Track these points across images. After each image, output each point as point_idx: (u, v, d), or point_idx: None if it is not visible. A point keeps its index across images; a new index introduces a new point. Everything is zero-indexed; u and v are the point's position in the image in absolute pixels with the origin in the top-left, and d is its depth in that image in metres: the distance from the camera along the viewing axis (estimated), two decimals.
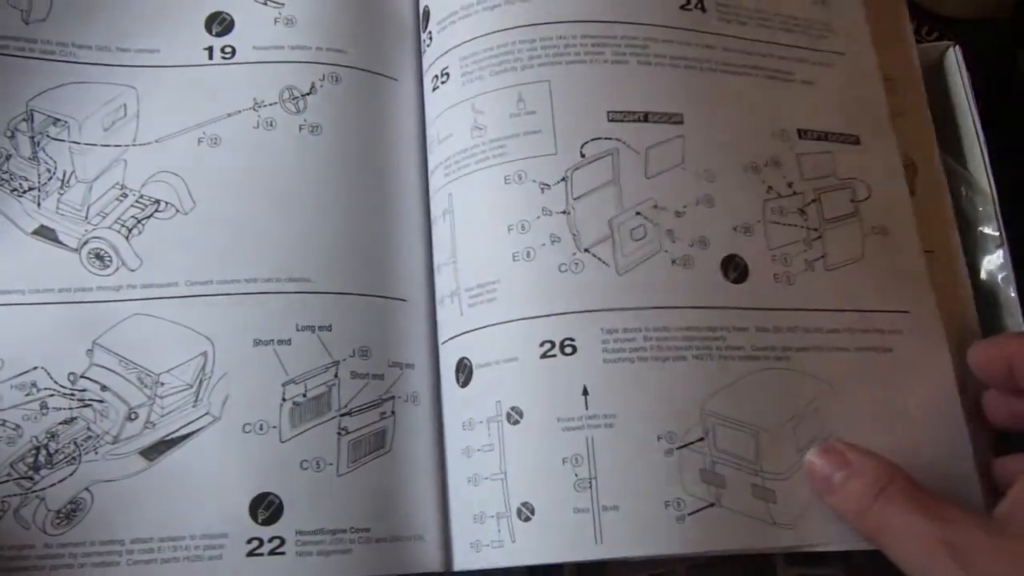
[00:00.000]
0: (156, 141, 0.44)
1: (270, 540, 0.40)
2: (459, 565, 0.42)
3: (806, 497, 0.39)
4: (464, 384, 0.42)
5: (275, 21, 0.47)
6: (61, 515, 0.39)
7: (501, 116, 0.43)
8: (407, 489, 0.43)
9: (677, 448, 0.38)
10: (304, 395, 0.42)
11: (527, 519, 0.38)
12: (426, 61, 0.48)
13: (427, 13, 0.49)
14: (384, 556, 0.41)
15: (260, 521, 0.40)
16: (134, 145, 0.44)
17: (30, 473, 0.40)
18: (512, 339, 0.40)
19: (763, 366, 0.40)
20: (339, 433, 0.42)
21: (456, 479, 0.42)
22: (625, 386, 0.39)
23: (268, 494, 0.40)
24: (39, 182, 0.43)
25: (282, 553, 0.40)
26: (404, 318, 0.45)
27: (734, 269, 0.41)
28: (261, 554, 0.40)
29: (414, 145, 0.48)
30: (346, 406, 0.42)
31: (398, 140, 0.47)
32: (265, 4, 0.47)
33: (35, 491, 0.40)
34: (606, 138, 0.42)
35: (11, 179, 0.43)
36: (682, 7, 0.45)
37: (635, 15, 0.44)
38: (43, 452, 0.40)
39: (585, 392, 0.39)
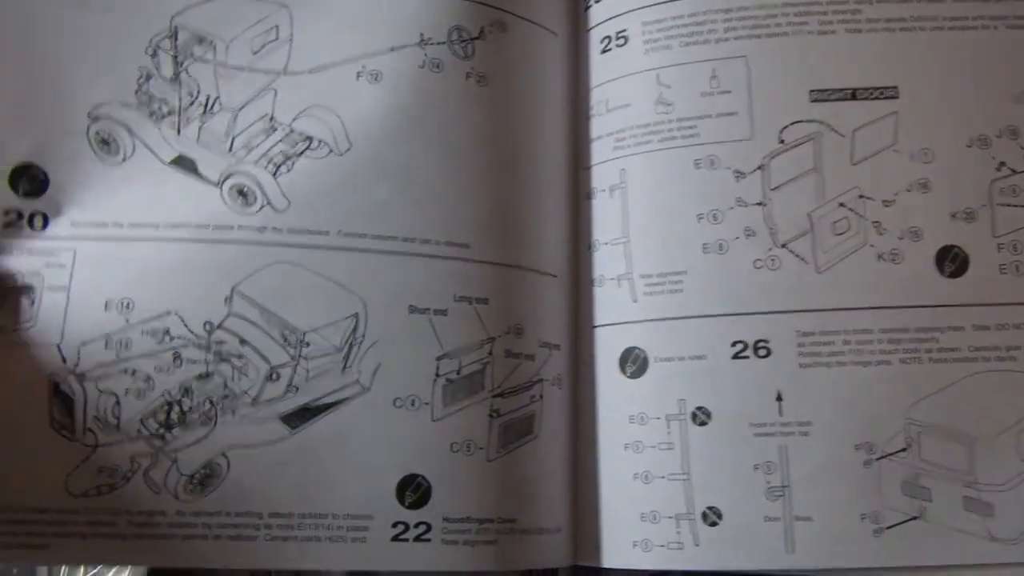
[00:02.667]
0: (310, 71, 0.40)
1: (416, 525, 0.37)
2: (612, 562, 0.40)
3: None
4: (634, 375, 0.40)
5: None
6: (195, 480, 0.36)
7: (691, 94, 0.41)
8: (551, 479, 0.41)
9: (877, 459, 0.38)
10: (458, 372, 0.39)
11: (713, 524, 0.38)
12: (593, 18, 0.45)
13: None
14: (527, 548, 0.39)
15: (407, 504, 0.38)
16: (285, 74, 0.40)
17: (162, 431, 0.36)
18: (701, 336, 0.39)
19: (982, 368, 0.38)
20: (491, 416, 0.39)
21: (618, 473, 0.40)
22: (821, 392, 0.38)
23: (416, 476, 0.38)
24: (180, 106, 0.39)
25: (428, 540, 0.37)
26: (554, 295, 0.43)
27: (951, 261, 0.39)
28: (407, 539, 0.37)
29: (565, 109, 0.45)
30: (499, 387, 0.39)
31: (554, 101, 0.44)
32: None
33: (167, 451, 0.36)
34: (808, 120, 0.40)
35: (150, 101, 0.39)
36: None
37: None
38: (176, 409, 0.37)
39: (779, 398, 0.38)
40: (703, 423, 0.39)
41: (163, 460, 0.37)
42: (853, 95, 0.40)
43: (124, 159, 0.39)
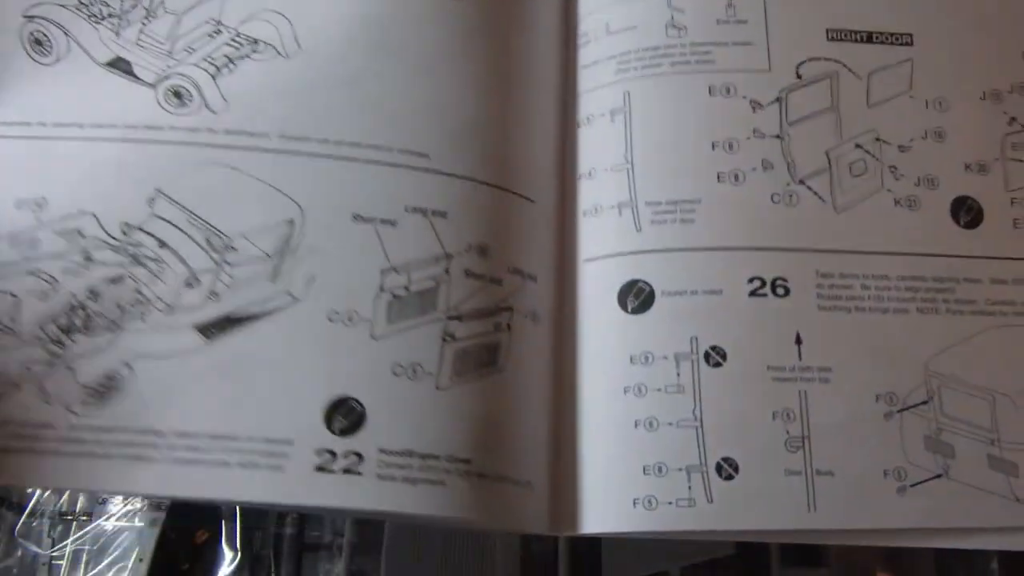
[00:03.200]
0: None
1: (346, 455, 0.32)
2: (607, 525, 0.34)
3: None
4: (637, 311, 0.36)
5: None
6: (92, 391, 0.32)
7: (706, 19, 0.40)
8: (519, 421, 0.35)
9: (898, 411, 0.35)
10: (407, 288, 0.34)
11: (729, 477, 0.34)
12: None
13: None
14: (485, 498, 0.33)
15: (336, 431, 0.32)
16: None
17: (62, 337, 0.32)
18: (715, 269, 0.37)
19: (1001, 322, 0.36)
20: (444, 339, 0.34)
21: (616, 420, 0.36)
22: (842, 337, 0.36)
23: (349, 399, 0.33)
24: (121, 8, 0.37)
25: (359, 473, 0.31)
26: (530, 222, 0.38)
27: (966, 212, 0.38)
28: (333, 471, 0.31)
29: (556, 28, 0.41)
30: (455, 308, 0.34)
31: (541, 18, 0.41)
32: None
33: (65, 359, 0.32)
34: (825, 59, 0.39)
35: (91, 3, 0.36)
36: None
37: None
38: (80, 313, 0.32)
39: (798, 340, 0.36)
40: (717, 364, 0.35)
41: (59, 368, 0.32)
42: (869, 38, 0.40)
43: (57, 59, 0.37)
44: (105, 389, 0.32)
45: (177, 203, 0.35)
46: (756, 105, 0.38)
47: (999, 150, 0.38)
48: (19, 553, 0.39)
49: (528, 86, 0.40)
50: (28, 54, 0.37)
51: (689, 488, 0.34)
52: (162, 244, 0.34)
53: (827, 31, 0.39)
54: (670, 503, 0.34)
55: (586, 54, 0.41)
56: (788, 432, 0.34)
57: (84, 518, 0.40)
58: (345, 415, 0.33)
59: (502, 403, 0.35)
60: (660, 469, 0.34)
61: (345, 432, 0.32)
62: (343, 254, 0.35)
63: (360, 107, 0.37)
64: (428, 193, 0.36)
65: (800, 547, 0.39)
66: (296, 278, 0.34)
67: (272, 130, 0.36)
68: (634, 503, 0.34)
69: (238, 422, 0.32)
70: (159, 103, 0.36)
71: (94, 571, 0.39)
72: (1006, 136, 0.39)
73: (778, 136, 0.38)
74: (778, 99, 0.39)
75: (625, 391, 0.35)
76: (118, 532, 0.40)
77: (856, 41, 0.39)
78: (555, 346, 0.37)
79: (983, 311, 0.37)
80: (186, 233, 0.34)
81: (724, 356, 0.35)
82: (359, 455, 0.32)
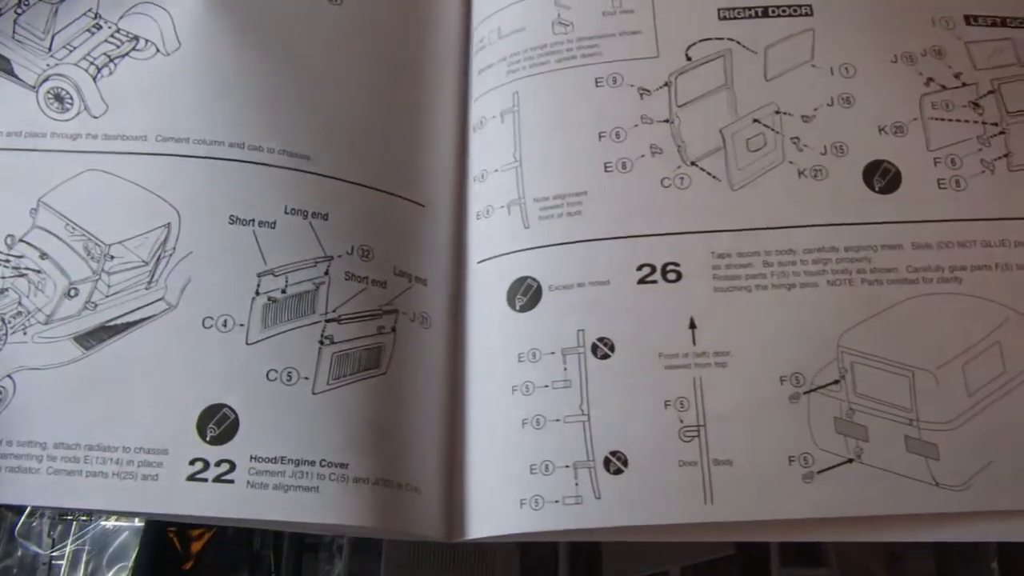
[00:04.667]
0: None
1: (217, 463, 0.32)
2: (492, 528, 0.34)
3: (985, 451, 0.32)
4: (525, 308, 0.36)
5: None
6: None
7: (592, 13, 0.40)
8: (404, 425, 0.35)
9: (805, 392, 0.34)
10: (283, 291, 0.34)
11: (618, 471, 0.33)
12: None
13: None
14: (364, 503, 0.33)
15: (208, 439, 0.33)
16: None
17: None
18: (602, 260, 0.36)
19: (923, 290, 0.35)
20: (321, 342, 0.34)
21: (503, 421, 0.35)
22: (740, 319, 0.35)
23: (222, 406, 0.33)
24: None
25: (230, 481, 0.32)
26: (420, 225, 0.38)
27: (881, 176, 0.36)
28: (204, 479, 0.32)
29: (452, 40, 0.42)
30: (335, 311, 0.34)
31: (435, 28, 0.41)
32: None
33: None
34: (716, 38, 0.39)
35: None
36: None
37: None
38: None
39: (692, 325, 0.35)
40: (605, 356, 0.35)
41: None
42: (764, 12, 0.39)
43: None
44: None
45: (58, 212, 0.35)
46: (644, 92, 0.38)
47: (917, 110, 0.37)
48: (19, 553, 0.41)
49: (421, 91, 0.40)
50: None
51: (576, 485, 0.33)
52: (43, 255, 0.35)
53: (718, 11, 0.39)
54: (556, 501, 0.33)
55: (480, 59, 0.41)
56: (682, 421, 0.34)
57: (84, 518, 0.41)
58: (218, 423, 0.33)
59: (386, 407, 0.35)
60: (547, 467, 0.34)
61: (217, 440, 0.33)
62: (219, 258, 0.35)
63: (240, 106, 0.36)
64: (309, 195, 0.36)
65: (800, 547, 0.39)
66: (171, 284, 0.35)
67: (150, 132, 0.36)
68: (521, 503, 0.34)
69: (116, 433, 0.33)
70: (40, 107, 0.36)
71: (94, 571, 0.40)
72: (924, 96, 0.37)
73: (667, 120, 0.37)
74: (666, 84, 0.38)
75: (513, 390, 0.35)
76: (118, 532, 0.41)
77: (750, 17, 0.39)
78: (449, 348, 0.37)
79: (904, 279, 0.35)
80: (66, 243, 0.35)
81: (612, 347, 0.35)
82: (231, 463, 0.33)
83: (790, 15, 0.39)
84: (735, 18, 0.39)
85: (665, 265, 0.36)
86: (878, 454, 0.33)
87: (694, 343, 0.34)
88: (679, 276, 0.35)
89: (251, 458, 0.33)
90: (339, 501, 0.33)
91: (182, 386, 0.33)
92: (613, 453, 0.34)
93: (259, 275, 0.35)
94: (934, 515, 0.32)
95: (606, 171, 0.37)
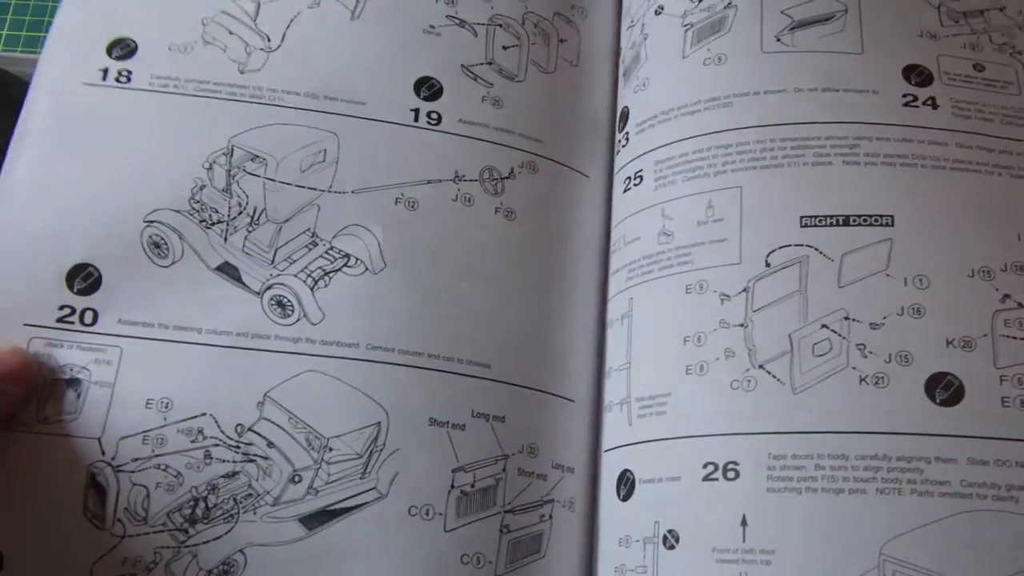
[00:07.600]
0: (352, 192, 0.44)
1: None
2: None
3: None
4: (625, 498, 0.42)
5: (483, 99, 0.49)
6: (213, 575, 0.38)
7: (689, 223, 0.43)
8: None
9: None
10: (472, 485, 0.42)
11: None
12: (619, 162, 0.50)
13: (626, 114, 0.51)
14: None
15: None
16: (330, 192, 0.44)
17: (185, 526, 0.39)
18: (677, 457, 0.40)
19: (976, 505, 0.36)
20: (501, 531, 0.41)
21: None
22: (787, 519, 0.37)
23: None
24: (228, 215, 0.43)
25: None
26: (570, 420, 0.46)
27: (944, 389, 0.38)
28: None
29: (596, 244, 0.49)
30: (510, 503, 0.42)
31: (583, 237, 0.49)
32: (475, 80, 0.48)
33: (188, 546, 0.39)
34: (796, 245, 0.41)
35: (202, 209, 0.43)
36: (906, 104, 0.43)
37: (846, 115, 0.43)
38: (201, 505, 0.39)
39: (744, 522, 0.38)
40: (671, 547, 0.39)
41: (184, 554, 0.39)
42: (845, 221, 0.41)
43: (173, 262, 0.42)
44: (223, 573, 0.39)
45: (282, 406, 0.41)
46: (724, 297, 0.41)
47: (988, 326, 0.38)
48: None
49: (575, 296, 0.47)
50: (148, 256, 0.43)
51: None
52: (270, 444, 0.41)
53: (800, 218, 0.41)
54: None
55: (614, 262, 0.47)
56: None
57: None
58: None
59: None
60: None
61: None
62: (421, 454, 0.42)
63: (435, 320, 0.44)
64: (490, 400, 0.44)
65: None
66: (382, 476, 0.41)
67: (362, 340, 0.43)
68: None
69: None
70: (264, 311, 0.43)
71: None
72: (997, 312, 0.38)
73: (742, 324, 0.40)
74: (745, 289, 0.41)
75: (613, 571, 0.41)
76: None
77: (831, 225, 0.41)
78: (587, 530, 0.45)
79: (956, 493, 0.36)
80: (290, 434, 0.41)
81: (678, 539, 0.39)
82: None
83: (870, 224, 0.41)
84: (816, 225, 0.41)
85: (726, 464, 0.39)
86: None
87: (743, 540, 0.37)
88: (737, 475, 0.38)
89: None
90: None
91: (393, 565, 0.40)
92: None
93: (453, 471, 0.42)
94: None
95: (687, 374, 0.41)
